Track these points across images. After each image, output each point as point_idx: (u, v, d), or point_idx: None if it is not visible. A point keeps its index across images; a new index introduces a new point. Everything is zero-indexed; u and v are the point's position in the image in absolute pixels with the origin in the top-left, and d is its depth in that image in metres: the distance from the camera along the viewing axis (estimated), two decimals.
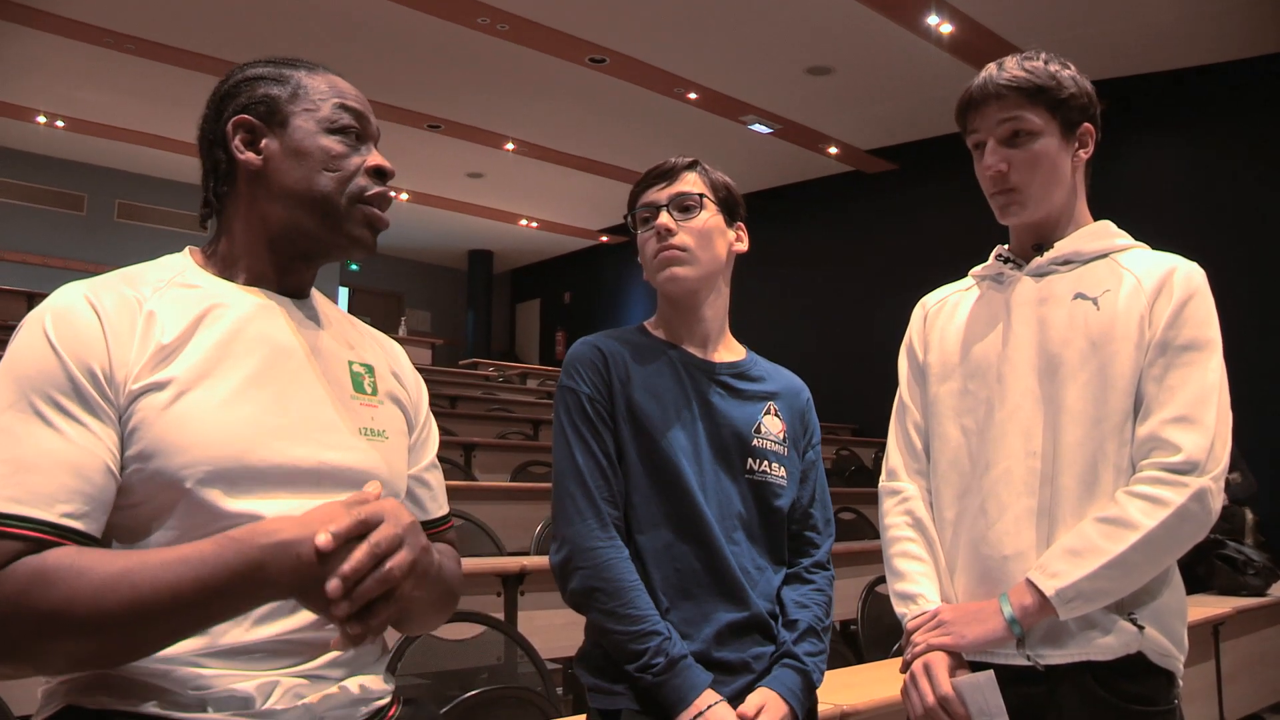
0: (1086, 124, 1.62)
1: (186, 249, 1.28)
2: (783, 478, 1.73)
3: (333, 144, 1.25)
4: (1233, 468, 5.40)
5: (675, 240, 1.70)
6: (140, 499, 1.08)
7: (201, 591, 0.98)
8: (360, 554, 0.98)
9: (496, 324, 17.21)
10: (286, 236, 1.25)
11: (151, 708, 1.04)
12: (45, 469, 1.02)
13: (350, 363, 1.29)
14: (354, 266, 14.81)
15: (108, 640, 0.98)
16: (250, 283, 1.25)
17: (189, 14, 8.10)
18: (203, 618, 1.01)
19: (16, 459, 1.02)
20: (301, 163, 1.23)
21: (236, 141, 1.25)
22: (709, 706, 1.52)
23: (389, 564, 0.99)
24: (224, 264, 1.26)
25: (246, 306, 1.21)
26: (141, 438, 1.08)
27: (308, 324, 1.27)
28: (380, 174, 1.28)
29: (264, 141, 1.25)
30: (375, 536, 1.00)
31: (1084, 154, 1.63)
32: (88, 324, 1.10)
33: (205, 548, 0.99)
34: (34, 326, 1.10)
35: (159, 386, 1.09)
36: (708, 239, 1.72)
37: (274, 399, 1.16)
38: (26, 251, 12.11)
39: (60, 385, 1.06)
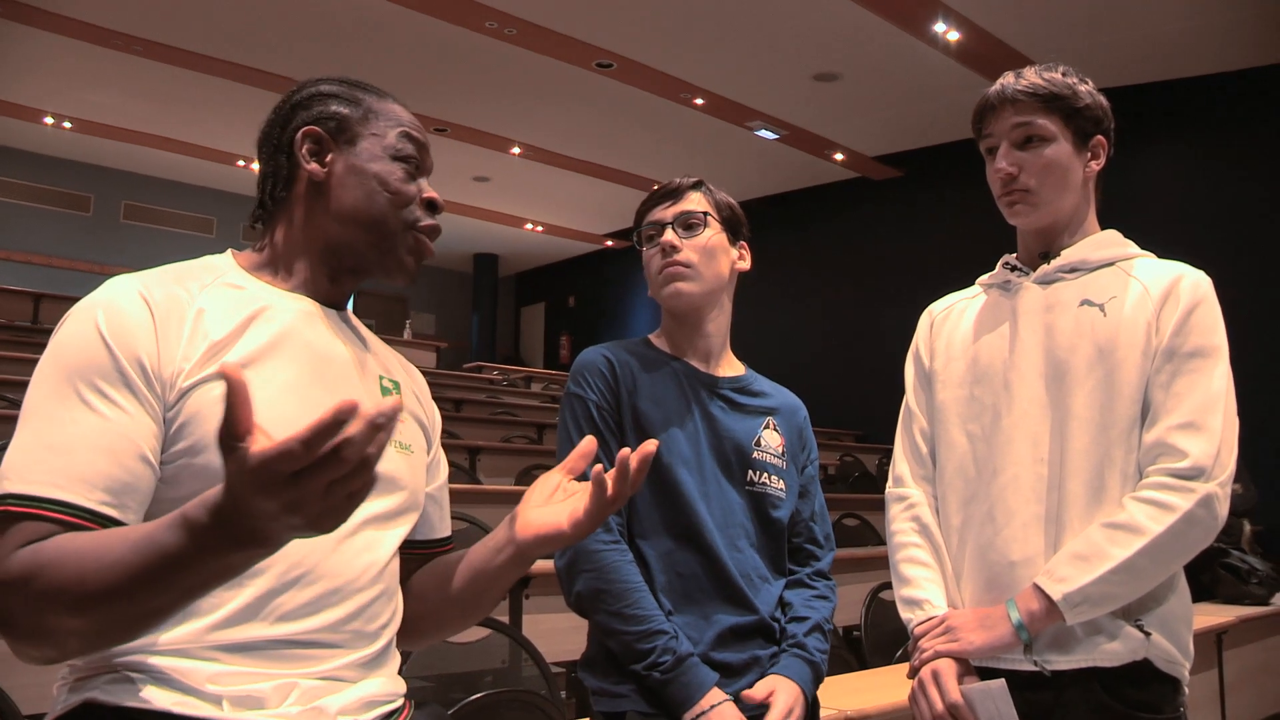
0: (1100, 136, 1.64)
1: (229, 251, 1.30)
2: (781, 490, 1.76)
3: (395, 170, 1.28)
4: (1235, 478, 5.42)
5: (679, 257, 1.74)
6: (187, 491, 1.06)
7: (164, 565, 0.92)
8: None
9: (501, 328, 17.21)
10: (337, 251, 1.28)
11: (168, 704, 1.04)
12: (84, 455, 1.03)
13: (381, 377, 1.31)
14: None
15: (100, 619, 0.96)
16: (295, 289, 1.27)
17: (197, 17, 8.13)
18: (181, 587, 0.94)
19: (57, 444, 1.03)
20: (364, 183, 1.26)
21: (304, 150, 1.27)
22: (714, 705, 1.54)
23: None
24: (270, 268, 1.28)
25: (293, 312, 1.23)
26: (193, 432, 1.09)
27: (347, 335, 1.29)
28: (432, 207, 1.32)
29: (329, 155, 1.27)
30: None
31: (1095, 165, 1.64)
32: (139, 317, 1.11)
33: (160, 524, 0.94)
34: (84, 316, 1.11)
35: (211, 380, 1.10)
36: (711, 256, 1.76)
37: (318, 402, 1.16)
38: (33, 252, 12.14)
39: (106, 373, 1.07)
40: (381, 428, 0.80)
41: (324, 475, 0.80)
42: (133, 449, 1.06)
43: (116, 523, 1.04)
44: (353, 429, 0.79)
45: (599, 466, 1.14)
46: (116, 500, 1.04)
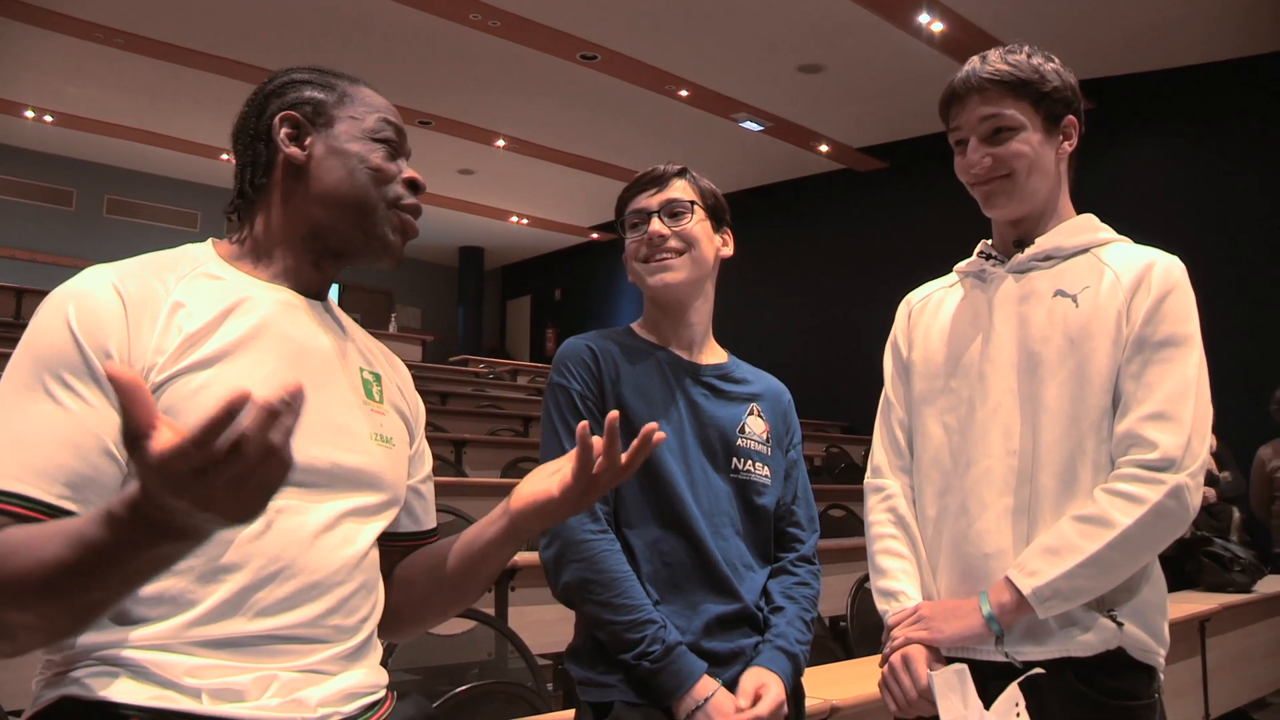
0: (1070, 117, 1.61)
1: (210, 240, 1.30)
2: (766, 476, 1.76)
3: (376, 149, 1.29)
4: (1224, 466, 5.47)
5: (667, 245, 1.73)
6: None
7: (95, 559, 0.89)
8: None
9: (487, 321, 17.19)
10: (320, 234, 1.27)
11: (146, 699, 1.04)
12: (46, 447, 1.03)
13: (361, 369, 1.31)
14: None
15: (42, 613, 0.95)
16: (275, 279, 1.26)
17: (179, 9, 8.08)
18: (109, 581, 0.92)
19: (20, 436, 1.03)
20: (345, 162, 1.27)
21: (282, 135, 1.27)
22: (709, 697, 1.55)
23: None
24: (251, 257, 1.27)
25: (271, 303, 1.22)
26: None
27: (328, 326, 1.29)
28: (414, 186, 1.32)
29: (308, 139, 1.27)
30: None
31: (1068, 146, 1.62)
32: (110, 309, 1.10)
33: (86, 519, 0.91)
34: (56, 307, 1.10)
35: (186, 374, 1.10)
36: (697, 244, 1.76)
37: None
38: (15, 247, 12.07)
39: (73, 366, 1.07)
40: (280, 413, 0.76)
41: (226, 470, 0.77)
42: (96, 443, 1.05)
43: (74, 515, 1.02)
44: (246, 421, 0.75)
45: (584, 423, 1.17)
46: (77, 494, 1.04)
